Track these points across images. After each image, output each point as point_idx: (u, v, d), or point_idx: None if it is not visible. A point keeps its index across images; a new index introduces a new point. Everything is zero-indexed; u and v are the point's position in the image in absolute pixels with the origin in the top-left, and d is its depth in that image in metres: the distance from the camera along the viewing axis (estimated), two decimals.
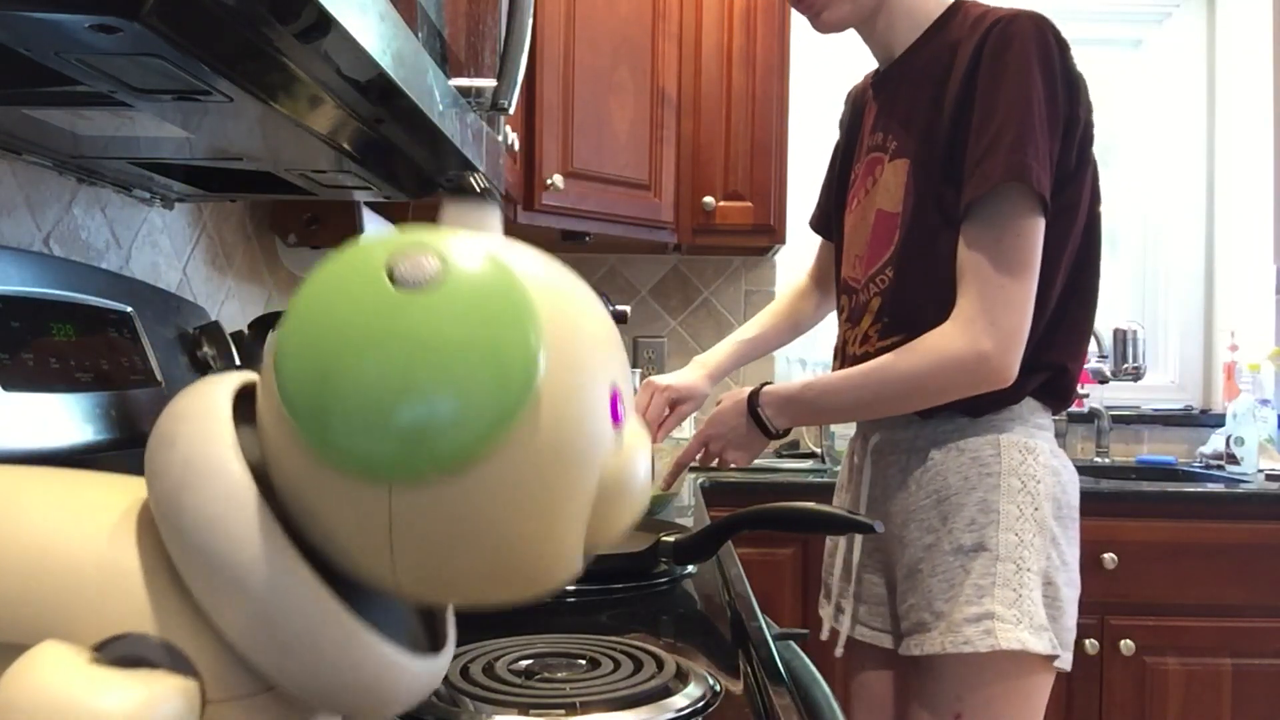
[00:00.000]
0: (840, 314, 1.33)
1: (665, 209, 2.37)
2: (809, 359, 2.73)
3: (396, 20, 0.66)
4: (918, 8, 1.23)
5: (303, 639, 0.39)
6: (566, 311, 0.42)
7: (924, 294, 1.16)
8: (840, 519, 1.11)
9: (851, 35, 1.28)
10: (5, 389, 0.76)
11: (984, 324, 1.09)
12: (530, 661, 0.75)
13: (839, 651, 1.28)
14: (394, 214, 1.70)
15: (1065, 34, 1.12)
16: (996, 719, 1.11)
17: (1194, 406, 2.83)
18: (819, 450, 2.51)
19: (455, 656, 0.74)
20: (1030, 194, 1.08)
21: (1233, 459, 2.44)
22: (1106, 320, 2.65)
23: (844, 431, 2.35)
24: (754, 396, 1.24)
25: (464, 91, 0.93)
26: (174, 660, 0.39)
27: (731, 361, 1.49)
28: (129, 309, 0.97)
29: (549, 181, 2.04)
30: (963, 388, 1.12)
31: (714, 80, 2.42)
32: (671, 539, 1.08)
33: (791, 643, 1.05)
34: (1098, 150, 1.17)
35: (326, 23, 0.55)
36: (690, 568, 1.15)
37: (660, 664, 0.73)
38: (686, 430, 2.26)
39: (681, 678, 0.71)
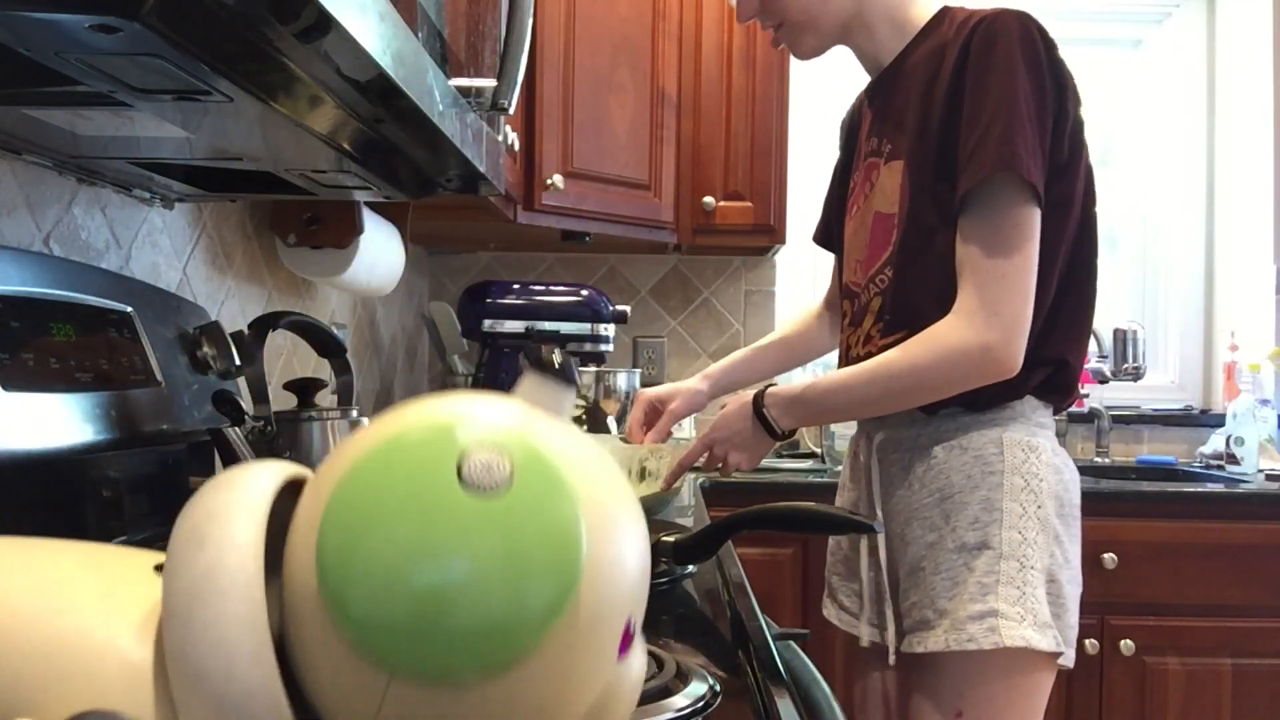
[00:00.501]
0: (843, 319, 1.33)
1: (665, 209, 2.37)
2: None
3: (396, 20, 0.66)
4: (902, 18, 1.25)
5: None
6: (611, 539, 0.42)
7: (923, 291, 1.17)
8: (840, 519, 1.10)
9: None
10: (5, 389, 0.76)
11: (986, 315, 1.09)
12: None
13: (864, 642, 1.27)
14: (394, 214, 1.70)
15: (1066, 34, 1.13)
16: (998, 716, 1.12)
17: (1194, 406, 2.83)
18: (819, 450, 2.51)
19: None
20: (1022, 184, 1.09)
21: (1233, 459, 2.44)
22: (1106, 320, 2.65)
23: (844, 431, 2.35)
24: (759, 398, 1.25)
25: (464, 91, 0.93)
26: None
27: (731, 374, 1.49)
28: (129, 309, 0.97)
29: (549, 181, 2.04)
30: (969, 379, 1.12)
31: (714, 80, 2.42)
32: (671, 539, 1.08)
33: (791, 643, 1.05)
34: (1098, 150, 1.18)
35: (326, 23, 0.55)
36: (690, 568, 1.15)
37: (660, 664, 0.73)
38: (687, 430, 2.26)
39: (681, 678, 0.71)
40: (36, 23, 0.52)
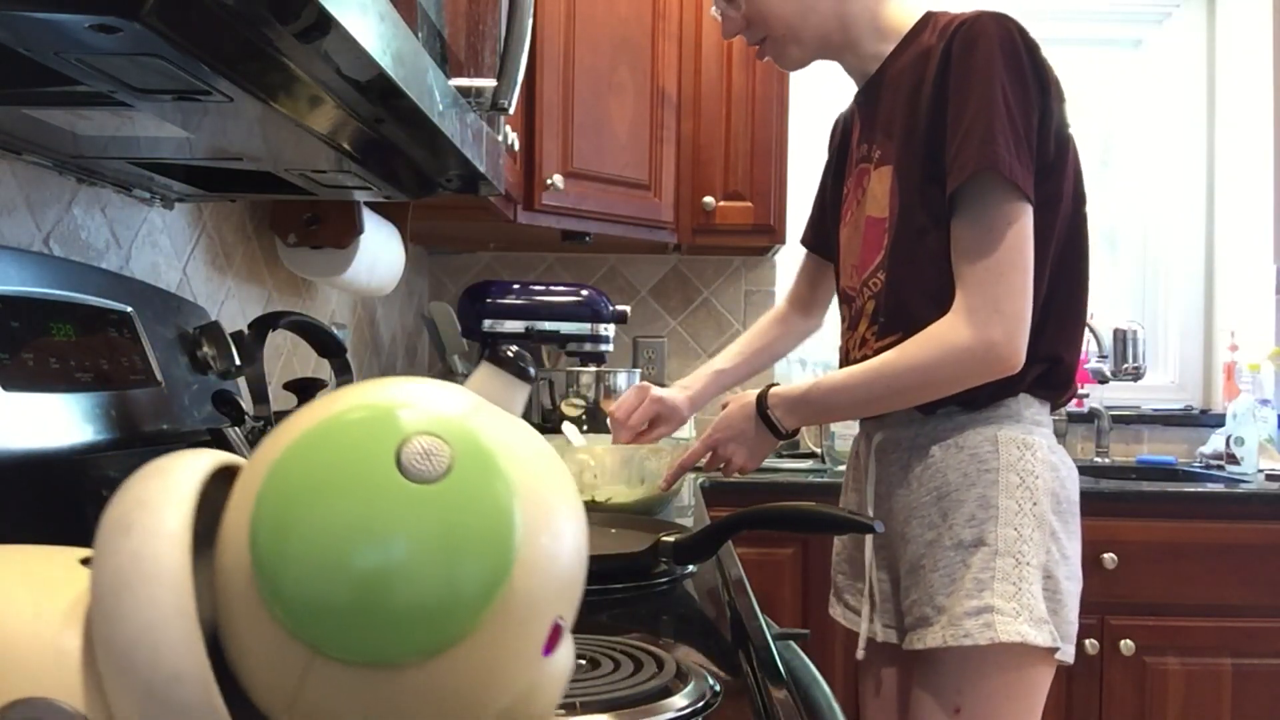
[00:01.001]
0: (842, 324, 1.35)
1: (665, 209, 2.37)
2: (809, 359, 2.73)
3: (396, 20, 0.66)
4: (886, 26, 1.27)
5: None
6: (547, 534, 0.42)
7: (916, 294, 1.18)
8: (840, 519, 1.11)
9: None
10: (5, 389, 0.76)
11: (988, 312, 1.11)
12: None
13: (860, 653, 1.28)
14: (394, 214, 1.70)
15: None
16: (996, 711, 1.13)
17: (1194, 406, 2.83)
18: (819, 450, 2.51)
19: None
20: (1007, 182, 1.10)
21: (1233, 459, 2.44)
22: (1106, 320, 2.65)
23: (844, 431, 2.35)
24: (762, 398, 1.26)
25: (464, 91, 0.93)
26: None
27: (710, 391, 1.50)
28: (129, 309, 0.97)
29: (549, 181, 2.04)
30: (973, 377, 1.13)
31: (714, 80, 2.42)
32: (671, 539, 1.08)
33: (791, 643, 1.05)
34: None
35: (326, 23, 0.55)
36: (690, 568, 1.15)
37: (660, 664, 0.73)
38: (688, 430, 2.26)
39: (681, 678, 0.71)
40: (36, 23, 0.52)
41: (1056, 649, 1.13)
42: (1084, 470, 2.49)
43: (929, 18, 1.24)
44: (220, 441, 0.99)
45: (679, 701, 0.67)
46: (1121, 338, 2.62)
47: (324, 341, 1.26)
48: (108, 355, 0.91)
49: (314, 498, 0.39)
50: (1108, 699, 2.10)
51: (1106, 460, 2.65)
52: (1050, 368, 1.18)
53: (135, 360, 0.95)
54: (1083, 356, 2.57)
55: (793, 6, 1.25)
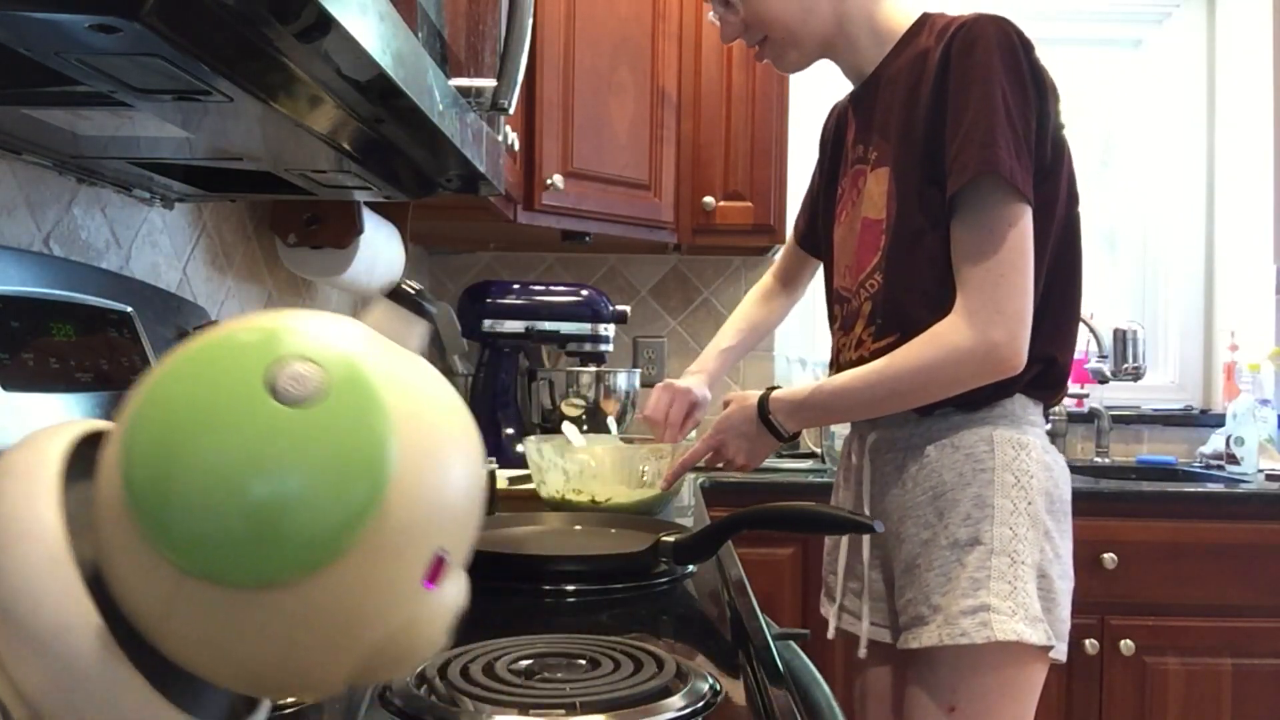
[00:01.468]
0: (833, 323, 1.36)
1: (665, 209, 2.37)
2: (809, 359, 2.73)
3: (396, 20, 0.66)
4: (883, 28, 1.27)
5: (100, 707, 0.39)
6: (429, 466, 0.42)
7: (913, 295, 1.19)
8: (840, 519, 1.11)
9: None
10: (5, 389, 0.76)
11: (990, 314, 1.11)
12: (530, 661, 0.75)
13: (862, 653, 1.29)
14: (394, 214, 1.70)
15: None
16: (991, 709, 1.14)
17: (1194, 406, 2.83)
18: (819, 450, 2.51)
19: (455, 656, 0.74)
20: (1007, 185, 1.11)
21: (1233, 459, 2.44)
22: (1106, 320, 2.65)
23: (844, 432, 2.33)
24: (764, 403, 1.26)
25: (464, 91, 0.93)
26: None
27: (721, 369, 1.58)
28: (129, 309, 0.97)
29: (549, 181, 2.04)
30: (976, 378, 1.14)
31: (714, 80, 2.42)
32: (671, 539, 1.08)
33: (791, 643, 1.05)
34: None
35: (326, 23, 0.55)
36: (690, 568, 1.15)
37: (660, 664, 0.73)
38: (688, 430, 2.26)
39: (681, 678, 0.71)
40: (36, 23, 0.52)
41: (1051, 647, 1.14)
42: (1084, 470, 2.51)
43: (925, 19, 1.25)
44: None
45: (679, 701, 0.67)
46: (1121, 338, 2.62)
47: None
48: (108, 355, 0.91)
49: (183, 418, 0.39)
50: (1108, 699, 2.10)
51: (1106, 460, 2.65)
52: (1045, 368, 1.19)
53: (135, 360, 0.95)
54: (1083, 357, 2.59)
55: (792, 9, 1.26)
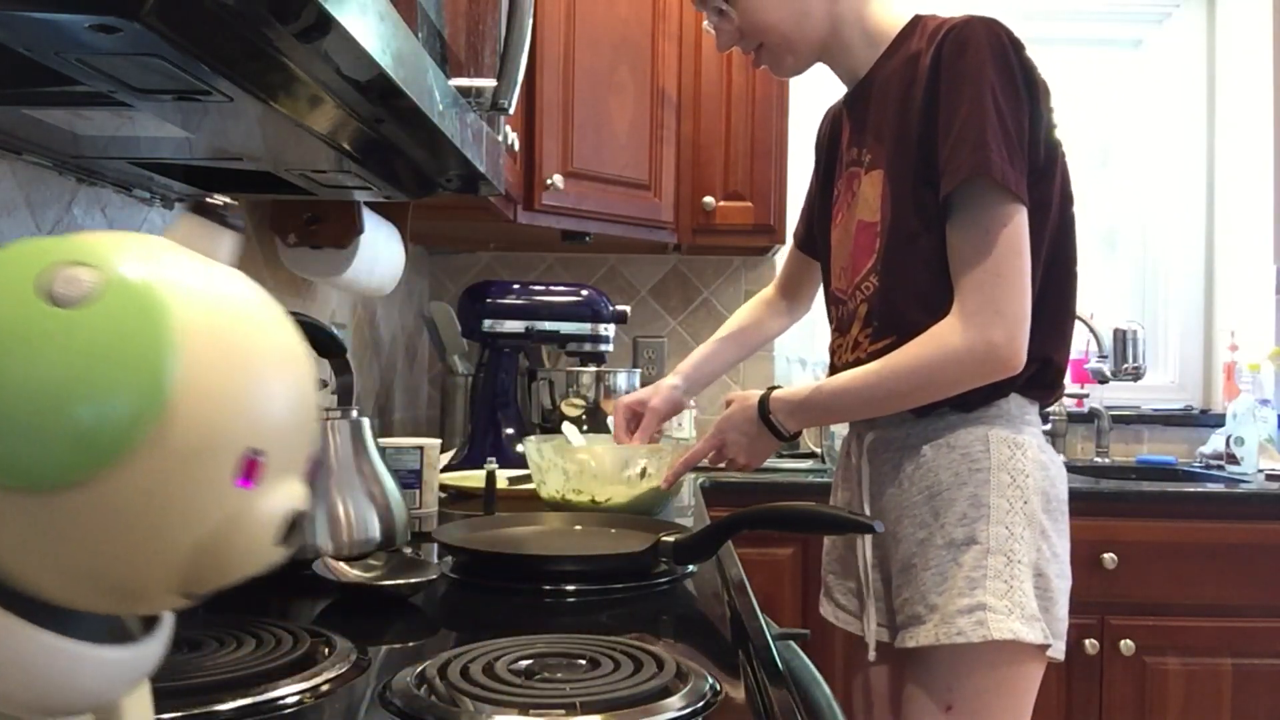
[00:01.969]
0: (830, 325, 1.36)
1: (665, 209, 2.37)
2: (809, 359, 2.73)
3: (396, 20, 0.66)
4: (876, 30, 1.28)
5: None
6: (226, 370, 0.42)
7: (909, 297, 1.19)
8: (840, 519, 1.11)
9: None
10: None
11: (989, 314, 1.12)
12: (530, 661, 0.75)
13: (872, 655, 1.28)
14: (394, 214, 1.70)
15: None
16: (987, 708, 1.14)
17: (1194, 406, 2.83)
18: (819, 450, 2.51)
19: (455, 657, 0.74)
20: (999, 186, 1.11)
21: (1233, 459, 2.44)
22: (1106, 320, 2.65)
23: (844, 432, 2.34)
24: (764, 402, 1.27)
25: (464, 91, 0.93)
26: None
27: (702, 369, 1.57)
28: None
29: (549, 181, 2.04)
30: (975, 378, 1.14)
31: (714, 80, 2.42)
32: (671, 539, 1.08)
33: (791, 643, 1.05)
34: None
35: (326, 23, 0.55)
36: (690, 568, 1.15)
37: (660, 664, 0.73)
38: (688, 430, 2.26)
39: (681, 678, 0.71)
40: (36, 23, 0.52)
41: (1048, 646, 1.14)
42: (1084, 470, 2.51)
43: (917, 21, 1.25)
44: None
45: (678, 701, 0.67)
46: (1121, 338, 2.62)
47: (324, 341, 1.25)
48: None
49: None
50: (1108, 699, 2.10)
51: (1106, 460, 2.65)
52: (1041, 368, 1.20)
53: None
54: (1083, 356, 2.59)
55: (787, 14, 1.26)
